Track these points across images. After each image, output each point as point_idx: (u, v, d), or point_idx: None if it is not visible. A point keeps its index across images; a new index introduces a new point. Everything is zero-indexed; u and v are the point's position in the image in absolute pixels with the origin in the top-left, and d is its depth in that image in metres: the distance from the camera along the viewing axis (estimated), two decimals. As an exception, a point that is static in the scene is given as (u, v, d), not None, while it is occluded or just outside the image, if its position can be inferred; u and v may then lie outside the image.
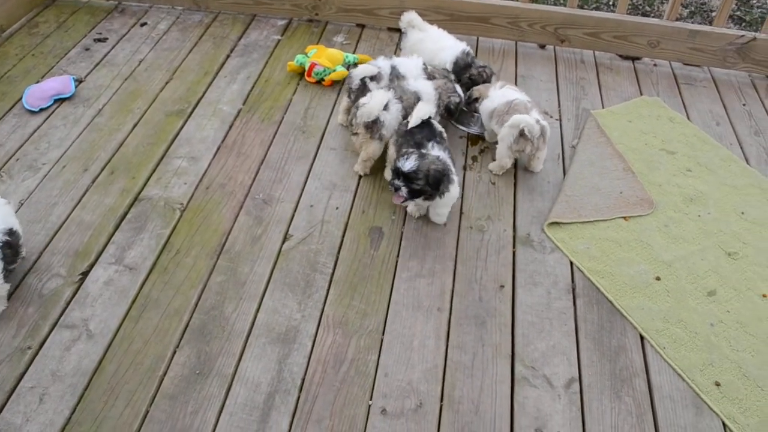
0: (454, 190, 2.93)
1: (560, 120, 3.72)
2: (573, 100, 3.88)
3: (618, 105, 3.85)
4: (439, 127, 3.11)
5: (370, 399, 2.44)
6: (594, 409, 2.46)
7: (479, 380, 2.52)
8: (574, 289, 2.85)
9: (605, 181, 3.32)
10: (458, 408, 2.44)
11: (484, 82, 3.59)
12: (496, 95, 3.35)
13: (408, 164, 2.79)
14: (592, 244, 3.04)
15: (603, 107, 3.84)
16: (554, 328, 2.71)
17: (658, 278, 2.90)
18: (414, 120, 3.00)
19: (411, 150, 2.89)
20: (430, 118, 3.07)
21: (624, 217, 3.16)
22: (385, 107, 3.15)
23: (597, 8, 5.84)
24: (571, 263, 2.95)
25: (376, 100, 3.11)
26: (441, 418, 2.41)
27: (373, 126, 3.15)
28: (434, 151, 2.92)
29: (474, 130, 3.61)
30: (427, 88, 3.34)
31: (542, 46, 4.31)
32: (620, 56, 4.26)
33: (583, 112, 3.78)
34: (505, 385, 2.52)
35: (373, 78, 3.37)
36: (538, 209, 3.19)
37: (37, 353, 2.56)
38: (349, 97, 3.46)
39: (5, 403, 2.40)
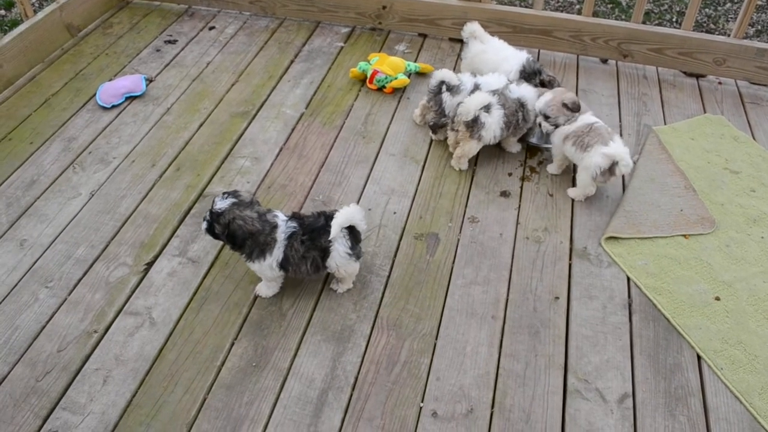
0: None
1: (620, 135, 3.69)
2: (634, 116, 3.84)
3: (680, 122, 3.81)
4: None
5: (422, 401, 2.47)
6: (647, 426, 2.43)
7: (531, 389, 2.52)
8: (630, 305, 2.83)
9: (665, 198, 3.29)
10: (509, 416, 2.44)
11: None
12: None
13: (219, 203, 2.59)
14: (650, 260, 3.01)
15: (665, 124, 3.80)
16: (609, 342, 2.69)
17: (717, 298, 2.86)
18: (334, 229, 2.59)
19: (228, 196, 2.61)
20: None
21: (684, 235, 3.12)
22: (488, 110, 3.20)
23: (659, 24, 5.79)
24: (628, 278, 2.93)
25: (474, 100, 3.18)
26: (491, 425, 2.41)
27: (473, 125, 3.22)
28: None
29: (533, 141, 3.61)
30: (530, 94, 3.36)
31: (604, 61, 4.29)
32: (684, 73, 4.21)
33: (644, 128, 3.75)
34: (557, 396, 2.51)
35: (450, 88, 3.38)
36: (596, 223, 3.17)
37: (102, 337, 2.66)
38: (427, 100, 3.51)
39: (71, 383, 2.51)
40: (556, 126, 3.28)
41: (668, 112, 3.89)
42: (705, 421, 2.46)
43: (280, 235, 2.60)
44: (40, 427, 2.37)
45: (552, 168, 3.43)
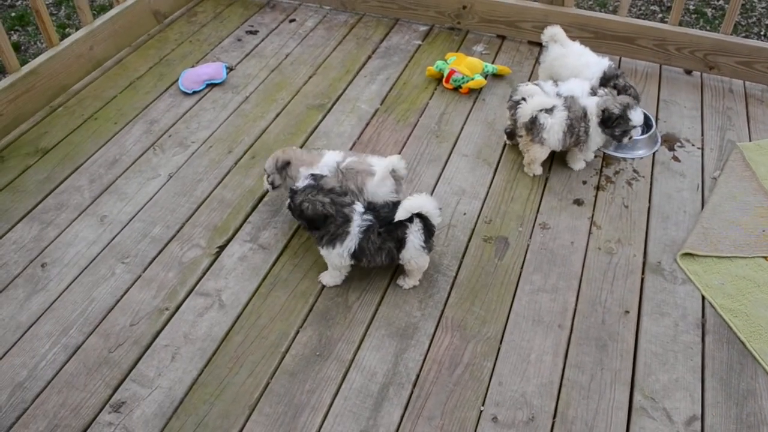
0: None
1: (702, 149, 3.58)
2: (718, 130, 3.71)
3: (767, 139, 3.66)
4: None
5: (482, 405, 2.45)
6: (715, 451, 2.36)
7: (595, 403, 2.47)
8: (703, 325, 2.74)
9: (747, 218, 3.16)
10: (571, 428, 2.40)
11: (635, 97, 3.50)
12: None
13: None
14: (727, 280, 2.90)
15: (750, 140, 3.66)
16: (679, 361, 2.61)
17: (797, 325, 2.74)
18: (400, 212, 2.60)
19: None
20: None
21: (765, 257, 3.00)
22: (550, 111, 3.15)
23: (747, 36, 5.58)
24: (703, 298, 2.83)
25: (533, 102, 3.15)
26: (552, 435, 2.38)
27: (532, 127, 3.17)
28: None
29: (610, 150, 3.53)
30: (592, 107, 3.25)
31: (688, 72, 4.16)
32: (774, 89, 4.04)
33: (727, 144, 3.62)
34: (622, 412, 2.45)
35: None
36: (672, 238, 3.08)
37: (173, 315, 2.74)
38: (508, 108, 3.43)
39: (141, 357, 2.59)
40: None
41: (754, 129, 3.75)
42: (778, 451, 2.36)
43: (355, 228, 2.62)
44: (111, 396, 2.46)
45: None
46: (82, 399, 2.45)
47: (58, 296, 2.81)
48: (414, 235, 2.62)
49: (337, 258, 2.67)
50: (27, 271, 2.92)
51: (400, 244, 2.64)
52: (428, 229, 2.66)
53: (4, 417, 2.40)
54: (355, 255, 2.66)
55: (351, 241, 2.63)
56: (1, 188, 3.32)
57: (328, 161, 2.93)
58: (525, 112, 3.17)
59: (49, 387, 2.49)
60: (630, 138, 3.29)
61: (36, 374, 2.53)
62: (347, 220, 2.63)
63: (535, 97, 3.19)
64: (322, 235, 2.67)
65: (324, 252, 2.71)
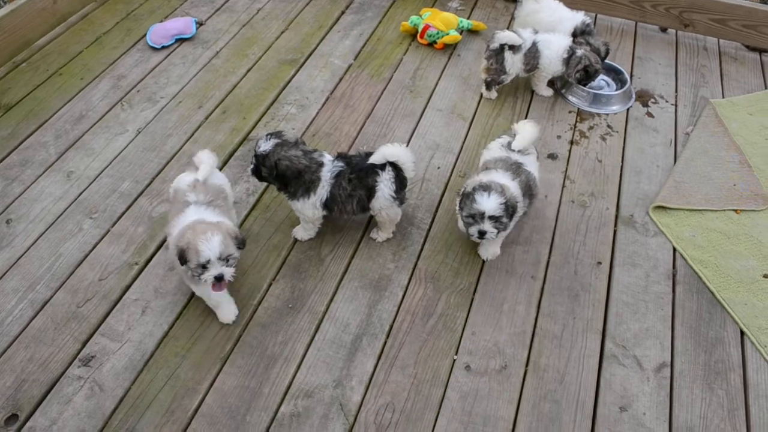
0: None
1: (676, 105, 3.58)
2: (691, 87, 3.72)
3: (740, 96, 3.67)
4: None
5: (456, 354, 2.45)
6: (683, 396, 2.39)
7: (567, 351, 2.49)
8: (674, 275, 2.76)
9: (719, 172, 3.18)
10: (543, 375, 2.42)
11: (603, 56, 3.49)
12: None
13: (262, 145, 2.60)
14: (698, 232, 2.92)
15: (723, 97, 3.67)
16: (650, 311, 2.63)
17: (766, 276, 2.77)
18: (376, 156, 2.59)
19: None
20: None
21: (735, 210, 3.02)
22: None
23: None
24: (674, 249, 2.86)
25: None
26: (524, 382, 2.39)
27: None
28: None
29: (584, 106, 3.52)
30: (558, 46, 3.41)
31: (664, 30, 4.14)
32: (747, 47, 4.05)
33: (701, 100, 3.62)
34: (593, 359, 2.47)
35: (512, 47, 3.33)
36: (644, 192, 3.09)
37: (143, 270, 2.70)
38: (486, 58, 3.43)
39: (110, 311, 2.55)
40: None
41: (727, 86, 3.76)
42: (744, 396, 2.40)
43: (326, 174, 2.58)
44: (79, 351, 2.42)
45: None
46: (50, 354, 2.41)
47: (24, 252, 2.75)
48: (384, 184, 2.59)
49: (311, 209, 2.64)
50: (-9, 227, 2.85)
51: (370, 192, 2.60)
52: (400, 181, 2.62)
53: (-30, 372, 2.35)
54: (327, 204, 2.62)
55: (323, 189, 2.58)
56: (-37, 144, 3.22)
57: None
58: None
59: (16, 342, 2.45)
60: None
61: (2, 330, 2.48)
62: (320, 165, 2.58)
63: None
64: (296, 189, 2.62)
65: (298, 205, 2.66)
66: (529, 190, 2.64)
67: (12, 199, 2.96)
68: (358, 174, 2.58)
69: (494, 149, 2.77)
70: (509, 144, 2.72)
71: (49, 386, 2.32)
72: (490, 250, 2.77)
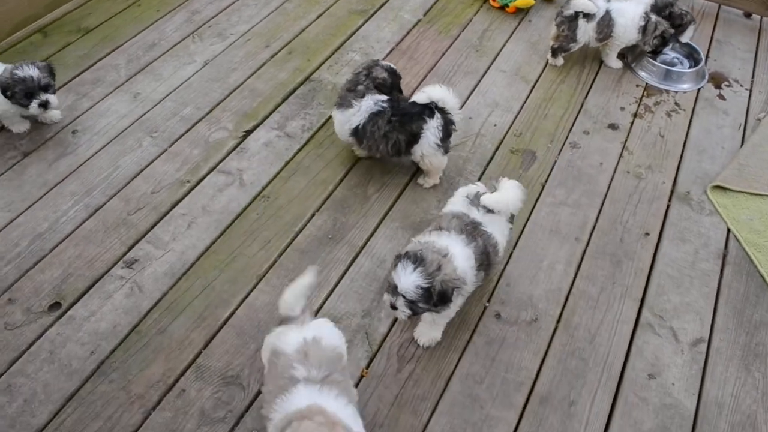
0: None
1: (750, 90, 3.45)
2: (771, 74, 3.57)
3: (821, 88, 3.50)
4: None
5: (488, 302, 2.44)
6: (717, 373, 2.32)
7: (601, 314, 2.45)
8: (725, 256, 2.67)
9: (787, 160, 3.06)
10: (573, 333, 2.38)
11: (683, 24, 3.38)
12: None
13: None
14: (756, 217, 2.82)
15: (804, 87, 3.51)
16: (694, 286, 2.56)
17: (823, 266, 2.65)
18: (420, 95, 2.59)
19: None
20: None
21: (800, 199, 2.90)
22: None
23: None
24: (728, 231, 2.76)
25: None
26: (553, 337, 2.37)
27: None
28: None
29: (653, 81, 3.42)
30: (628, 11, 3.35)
31: (748, 15, 3.98)
32: (836, 40, 3.85)
33: (779, 88, 3.48)
34: (627, 325, 2.42)
35: (586, 15, 3.28)
36: (705, 171, 2.99)
37: (193, 188, 2.78)
38: (557, 25, 3.38)
39: (158, 222, 2.64)
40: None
41: (809, 78, 3.59)
42: (783, 382, 2.32)
43: (364, 105, 2.61)
44: (125, 254, 2.52)
45: None
46: (97, 253, 2.52)
47: (86, 161, 2.87)
48: (431, 132, 2.58)
49: (338, 125, 2.68)
50: (59, 135, 2.98)
51: (414, 138, 2.60)
52: (446, 129, 2.62)
53: (23, 261, 2.48)
54: (357, 133, 2.65)
55: (354, 117, 2.62)
56: (41, 60, 3.36)
57: None
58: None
59: (67, 240, 2.56)
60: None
61: (56, 227, 2.60)
62: (360, 96, 2.61)
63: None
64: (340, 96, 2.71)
65: (333, 113, 2.73)
66: (486, 260, 2.18)
67: (80, 113, 3.09)
68: (402, 118, 2.58)
69: (457, 201, 2.31)
70: (477, 195, 2.25)
71: (92, 282, 2.42)
72: (427, 334, 2.29)
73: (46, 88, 2.80)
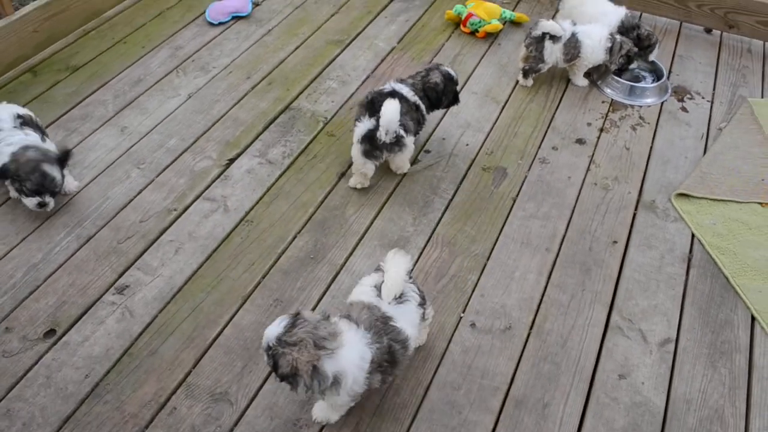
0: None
1: (712, 102, 3.61)
2: (730, 86, 3.73)
3: (779, 97, 3.67)
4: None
5: (463, 312, 2.56)
6: (685, 371, 2.43)
7: (572, 319, 2.57)
8: (690, 259, 2.80)
9: (748, 166, 3.20)
10: (546, 338, 2.50)
11: (650, 45, 3.57)
12: None
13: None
14: (719, 221, 2.95)
15: (762, 97, 3.67)
16: (660, 290, 2.68)
17: (784, 266, 2.78)
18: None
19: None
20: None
21: (761, 203, 3.04)
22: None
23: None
24: (693, 236, 2.90)
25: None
26: (527, 344, 2.48)
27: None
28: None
29: (618, 96, 3.59)
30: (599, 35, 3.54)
31: (708, 31, 4.15)
32: (794, 52, 4.03)
33: (738, 99, 3.64)
34: (598, 329, 2.54)
35: (552, 37, 3.45)
36: (669, 180, 3.14)
37: (180, 215, 2.90)
38: (526, 46, 3.55)
39: (147, 249, 2.76)
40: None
41: (768, 88, 3.76)
42: (747, 376, 2.43)
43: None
44: (116, 281, 2.63)
45: None
46: (89, 281, 2.63)
47: (77, 193, 2.99)
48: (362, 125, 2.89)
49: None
50: (49, 170, 3.10)
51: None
52: (371, 136, 2.86)
53: (19, 291, 2.59)
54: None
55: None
56: (31, 99, 3.49)
57: None
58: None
59: (60, 269, 2.67)
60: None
61: (50, 258, 2.71)
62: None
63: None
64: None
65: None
66: (391, 358, 2.03)
67: (70, 148, 3.19)
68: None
69: (365, 289, 2.14)
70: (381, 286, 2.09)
71: (85, 308, 2.53)
72: (322, 412, 2.18)
73: (54, 194, 2.77)
